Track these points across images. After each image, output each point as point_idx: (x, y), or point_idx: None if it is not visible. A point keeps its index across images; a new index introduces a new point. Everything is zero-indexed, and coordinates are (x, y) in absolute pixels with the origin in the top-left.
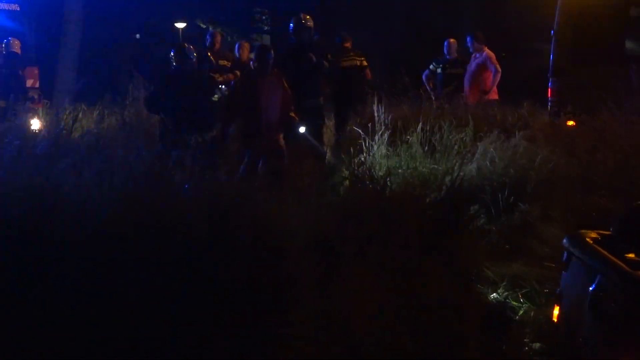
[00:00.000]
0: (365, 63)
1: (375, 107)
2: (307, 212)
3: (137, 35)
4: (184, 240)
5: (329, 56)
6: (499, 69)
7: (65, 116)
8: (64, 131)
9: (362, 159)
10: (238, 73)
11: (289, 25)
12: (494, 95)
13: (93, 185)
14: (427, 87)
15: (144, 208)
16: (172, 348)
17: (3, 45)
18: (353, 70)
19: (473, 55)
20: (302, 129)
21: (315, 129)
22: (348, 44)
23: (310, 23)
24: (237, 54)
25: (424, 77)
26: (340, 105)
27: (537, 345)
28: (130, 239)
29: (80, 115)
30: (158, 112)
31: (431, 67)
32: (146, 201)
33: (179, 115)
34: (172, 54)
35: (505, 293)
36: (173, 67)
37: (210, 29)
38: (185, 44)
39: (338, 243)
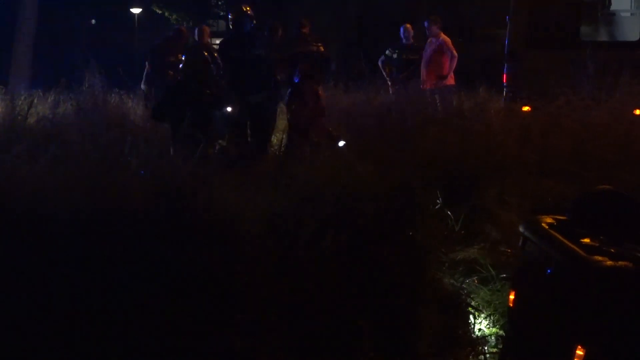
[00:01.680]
0: (322, 49)
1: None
2: (263, 197)
3: (93, 21)
4: (139, 225)
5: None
6: (456, 54)
7: (20, 102)
8: (19, 117)
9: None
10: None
11: (228, 16)
12: (450, 80)
13: (48, 170)
14: (383, 73)
15: (99, 193)
16: (126, 332)
17: None
18: (312, 56)
19: (429, 40)
20: (341, 143)
21: (260, 125)
22: (306, 30)
23: (251, 13)
24: (196, 39)
25: (380, 63)
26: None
27: (493, 330)
28: (84, 224)
29: (35, 101)
30: (164, 121)
31: (387, 52)
32: (102, 187)
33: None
34: (184, 58)
35: (462, 278)
36: (182, 75)
37: (166, 14)
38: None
39: (294, 228)
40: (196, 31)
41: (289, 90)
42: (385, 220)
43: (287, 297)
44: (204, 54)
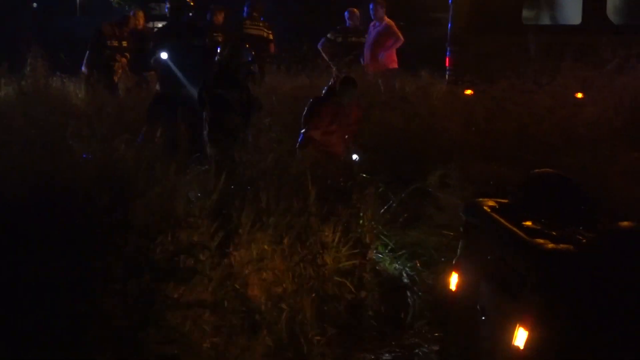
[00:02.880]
0: (271, 37)
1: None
2: (205, 180)
3: (35, 4)
4: (80, 208)
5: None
6: (400, 37)
7: None
8: None
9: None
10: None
11: (166, 3)
12: (394, 64)
13: None
14: (325, 56)
15: (41, 176)
16: (61, 314)
17: None
18: (259, 40)
19: (372, 23)
20: (354, 157)
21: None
22: (256, 13)
23: (190, 1)
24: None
25: (319, 47)
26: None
27: (435, 313)
28: (26, 207)
29: None
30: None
31: (329, 35)
32: (44, 170)
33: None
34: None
35: (404, 262)
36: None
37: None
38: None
39: (237, 210)
40: (132, 14)
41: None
42: (328, 203)
43: (230, 279)
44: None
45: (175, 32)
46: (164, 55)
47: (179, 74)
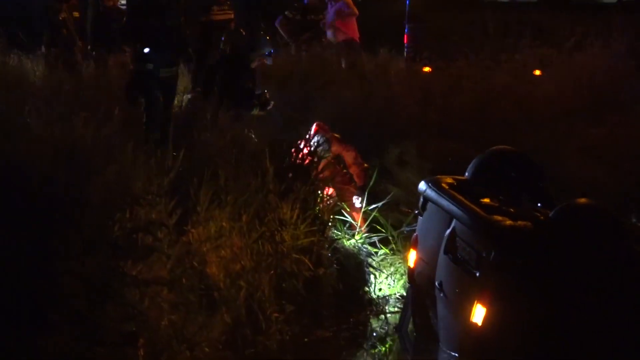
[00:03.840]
0: (232, 16)
1: None
2: (164, 158)
3: None
4: (38, 187)
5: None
6: (356, 12)
7: None
8: None
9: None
10: None
11: None
12: (354, 34)
13: None
14: (283, 34)
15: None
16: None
17: None
18: (227, 23)
19: (329, 2)
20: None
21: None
22: None
23: None
24: None
25: (276, 24)
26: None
27: (393, 290)
28: None
29: None
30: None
31: (286, 13)
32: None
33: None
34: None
35: (362, 238)
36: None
37: None
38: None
39: (195, 188)
40: None
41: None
42: (286, 181)
43: (189, 257)
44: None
45: (148, 10)
46: (145, 50)
47: (154, 52)
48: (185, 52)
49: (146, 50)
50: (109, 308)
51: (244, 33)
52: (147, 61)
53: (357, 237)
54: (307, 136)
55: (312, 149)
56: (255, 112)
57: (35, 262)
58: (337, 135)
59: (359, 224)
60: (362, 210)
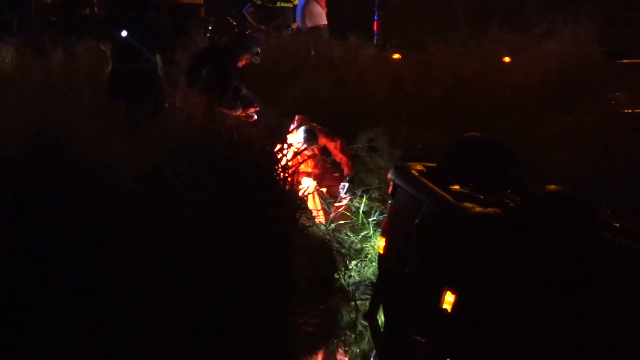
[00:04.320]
0: (201, 1)
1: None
2: (139, 146)
3: None
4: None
5: None
6: None
7: None
8: None
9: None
10: None
11: None
12: (324, 21)
13: None
14: (251, 21)
15: None
16: None
17: None
18: (194, 7)
19: None
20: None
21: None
22: None
23: None
24: None
25: (245, 11)
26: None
27: (364, 277)
28: None
29: None
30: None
31: (255, 0)
32: None
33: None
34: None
35: (333, 225)
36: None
37: None
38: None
39: (170, 177)
40: None
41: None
42: (258, 168)
43: (163, 244)
44: None
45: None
46: (122, 32)
47: (133, 47)
48: (165, 45)
49: (124, 33)
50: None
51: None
52: (127, 57)
53: (327, 224)
54: (289, 130)
55: (298, 143)
56: (238, 112)
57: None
58: (320, 127)
59: (332, 214)
60: (342, 199)
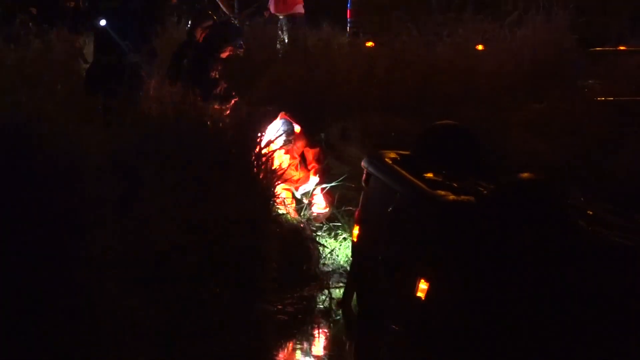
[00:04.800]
0: None
1: None
2: (107, 132)
3: None
4: None
5: None
6: None
7: None
8: None
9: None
10: None
11: None
12: (300, 9)
13: None
14: (224, 9)
15: None
16: None
17: None
18: None
19: None
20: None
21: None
22: None
23: None
24: None
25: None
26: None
27: (337, 265)
28: None
29: None
30: None
31: None
32: None
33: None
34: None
35: (306, 213)
36: None
37: None
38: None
39: (138, 162)
40: None
41: None
42: (229, 155)
43: (133, 231)
44: None
45: None
46: (102, 22)
47: (114, 40)
48: (148, 38)
49: (102, 22)
50: (53, 285)
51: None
52: (108, 50)
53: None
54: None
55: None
56: (216, 105)
57: None
58: (302, 130)
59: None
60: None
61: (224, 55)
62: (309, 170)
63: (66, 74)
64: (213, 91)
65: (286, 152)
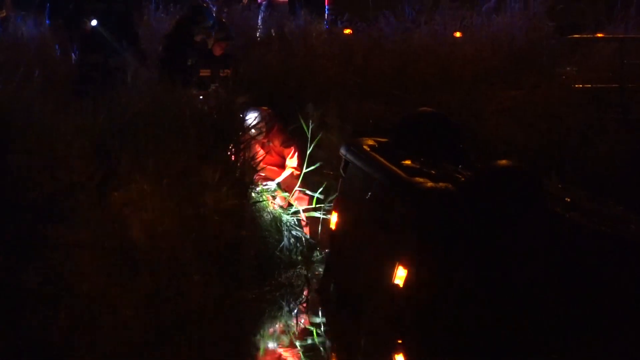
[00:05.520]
0: None
1: None
2: (85, 120)
3: None
4: None
5: None
6: None
7: None
8: None
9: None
10: None
11: None
12: None
13: None
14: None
15: None
16: None
17: None
18: None
19: None
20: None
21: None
22: None
23: None
24: None
25: None
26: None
27: (316, 253)
28: None
29: None
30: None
31: None
32: None
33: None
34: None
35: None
36: None
37: None
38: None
39: (116, 150)
40: None
41: None
42: (208, 143)
43: (111, 219)
44: None
45: None
46: (93, 22)
47: (103, 39)
48: (136, 39)
49: (94, 23)
50: (30, 271)
51: None
52: (94, 51)
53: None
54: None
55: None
56: (194, 91)
57: None
58: (282, 127)
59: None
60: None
61: (197, 38)
62: (284, 167)
63: (43, 61)
64: (191, 78)
65: (265, 151)
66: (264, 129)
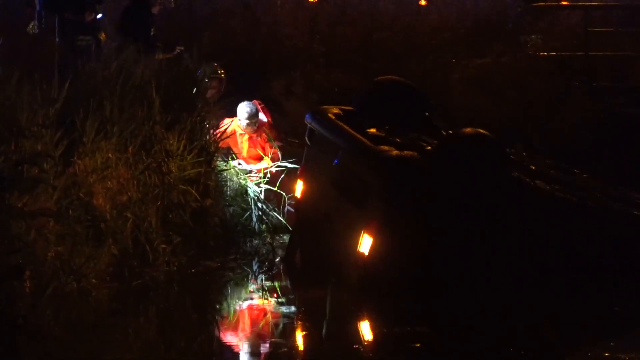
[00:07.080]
0: None
1: None
2: (49, 89)
3: None
4: None
5: None
6: None
7: None
8: None
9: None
10: None
11: None
12: None
13: None
14: None
15: None
16: None
17: None
18: None
19: None
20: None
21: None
22: None
23: None
24: None
25: None
26: None
27: (282, 221)
28: None
29: None
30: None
31: None
32: None
33: None
34: None
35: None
36: None
37: None
38: None
39: (81, 119)
40: None
41: None
42: (171, 111)
43: (76, 188)
44: None
45: None
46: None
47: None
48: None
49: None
50: None
51: None
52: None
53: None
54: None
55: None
56: (160, 56)
57: None
58: (271, 122)
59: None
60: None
61: (155, 10)
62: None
63: (8, 31)
64: (153, 44)
65: (251, 145)
66: (254, 120)
